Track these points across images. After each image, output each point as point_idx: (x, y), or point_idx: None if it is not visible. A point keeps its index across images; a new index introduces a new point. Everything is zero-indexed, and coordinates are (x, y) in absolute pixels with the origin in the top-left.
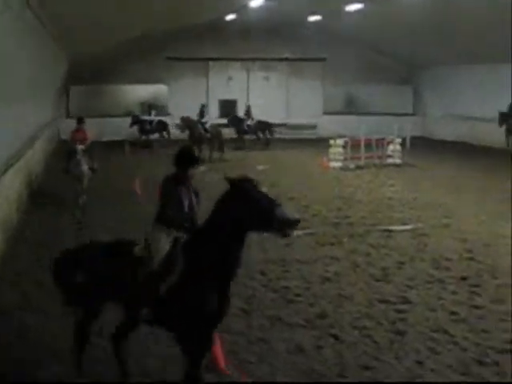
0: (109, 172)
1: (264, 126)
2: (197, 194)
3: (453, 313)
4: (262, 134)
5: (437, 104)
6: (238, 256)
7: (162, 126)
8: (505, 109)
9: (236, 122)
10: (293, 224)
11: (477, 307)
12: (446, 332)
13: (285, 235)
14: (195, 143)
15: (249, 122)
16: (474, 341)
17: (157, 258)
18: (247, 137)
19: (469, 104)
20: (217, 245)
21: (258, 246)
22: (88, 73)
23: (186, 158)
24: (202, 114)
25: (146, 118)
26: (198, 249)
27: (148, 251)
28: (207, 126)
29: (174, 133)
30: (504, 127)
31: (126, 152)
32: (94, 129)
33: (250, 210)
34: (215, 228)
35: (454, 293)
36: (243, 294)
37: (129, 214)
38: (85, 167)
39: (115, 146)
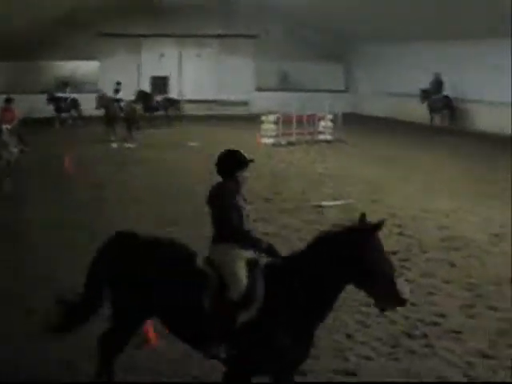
0: (38, 150)
1: (171, 103)
2: (245, 201)
3: None
4: (168, 110)
5: (368, 81)
6: (333, 301)
7: (74, 104)
8: (427, 86)
9: (143, 99)
10: (403, 303)
11: (406, 281)
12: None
13: (383, 309)
14: (110, 121)
15: (158, 99)
16: (403, 314)
17: (235, 285)
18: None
19: (399, 80)
20: (315, 287)
21: (187, 221)
22: (19, 49)
23: (233, 162)
24: (116, 91)
25: (61, 95)
26: (289, 282)
27: (213, 270)
28: (122, 104)
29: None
30: (426, 104)
31: (56, 129)
32: (25, 105)
33: (371, 268)
34: (319, 268)
35: None
36: None
37: (60, 196)
38: (12, 149)
39: (45, 122)
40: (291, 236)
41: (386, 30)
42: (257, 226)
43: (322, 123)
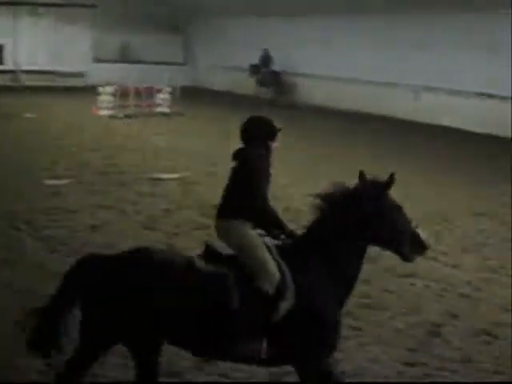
0: None
1: None
2: None
3: None
4: None
5: (207, 54)
6: (361, 267)
7: None
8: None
9: None
10: (426, 249)
11: None
12: None
13: (410, 259)
14: None
15: None
16: None
17: (267, 274)
18: None
19: (236, 54)
20: (340, 257)
21: (21, 195)
22: None
23: (266, 130)
24: None
25: None
26: (311, 258)
27: (221, 265)
28: None
29: None
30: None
31: None
32: None
33: (393, 221)
34: (340, 237)
35: None
36: (6, 244)
37: None
38: None
39: None
40: (127, 208)
41: (223, 4)
42: (92, 199)
43: (161, 96)
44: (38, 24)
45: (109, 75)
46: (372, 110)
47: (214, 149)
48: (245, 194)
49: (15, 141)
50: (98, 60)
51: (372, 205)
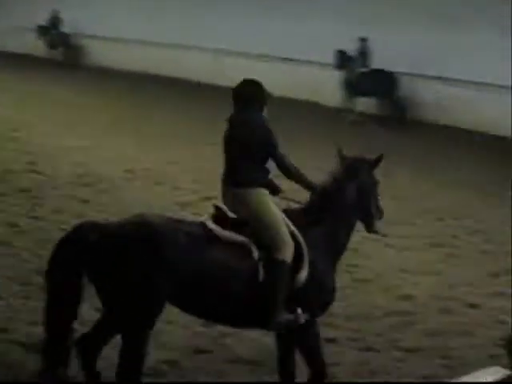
0: None
1: None
2: None
3: (14, 225)
4: None
5: (6, 15)
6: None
7: None
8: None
9: None
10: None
11: (36, 218)
12: (9, 244)
13: (375, 231)
14: None
15: None
16: (35, 252)
17: (284, 246)
18: None
19: (36, 15)
20: (342, 230)
21: None
22: None
23: (265, 92)
24: None
25: None
26: (316, 230)
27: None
28: None
29: None
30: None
31: None
32: None
33: (373, 195)
34: (340, 210)
35: (14, 205)
36: None
37: None
38: None
39: None
40: None
41: None
42: None
43: None
44: None
45: None
46: (169, 72)
47: (12, 113)
48: (261, 159)
49: None
50: None
51: (367, 179)
